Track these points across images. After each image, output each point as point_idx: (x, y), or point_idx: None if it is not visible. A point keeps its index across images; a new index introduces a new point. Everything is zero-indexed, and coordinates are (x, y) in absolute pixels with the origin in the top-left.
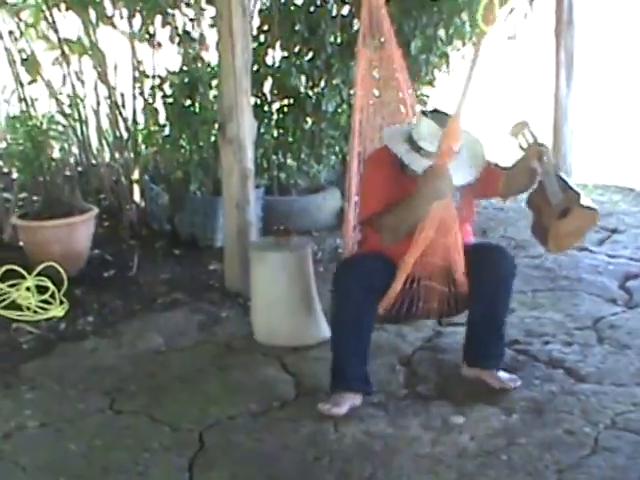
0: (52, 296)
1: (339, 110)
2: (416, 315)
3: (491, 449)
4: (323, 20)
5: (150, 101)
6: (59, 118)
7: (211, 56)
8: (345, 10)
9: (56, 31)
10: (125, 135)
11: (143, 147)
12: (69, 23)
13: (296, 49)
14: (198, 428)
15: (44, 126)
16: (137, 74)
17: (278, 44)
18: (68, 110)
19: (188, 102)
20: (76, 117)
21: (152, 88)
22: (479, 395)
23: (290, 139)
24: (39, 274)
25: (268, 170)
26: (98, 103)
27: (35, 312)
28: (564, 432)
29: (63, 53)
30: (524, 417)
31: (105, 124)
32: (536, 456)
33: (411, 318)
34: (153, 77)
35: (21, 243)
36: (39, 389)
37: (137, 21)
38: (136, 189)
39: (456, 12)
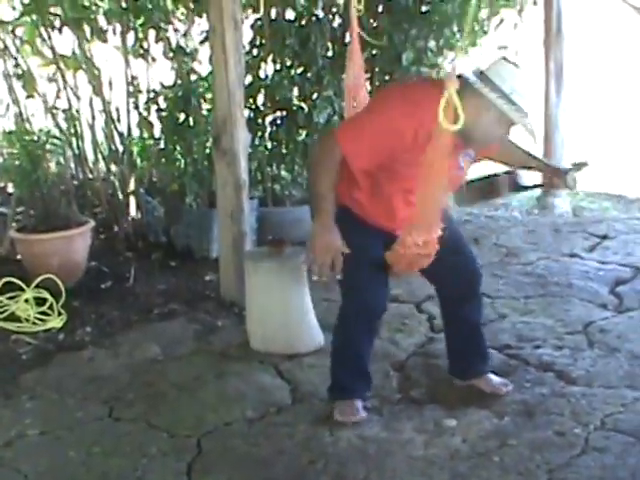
0: (50, 308)
1: (331, 121)
2: None
3: (483, 451)
4: (313, 33)
5: (145, 115)
6: (55, 132)
7: (204, 70)
8: (335, 23)
9: (51, 47)
10: (120, 149)
11: (138, 160)
12: (64, 39)
13: (288, 62)
14: (196, 434)
15: (41, 140)
16: (131, 88)
17: (270, 57)
18: (64, 124)
19: (182, 116)
20: (72, 131)
21: (146, 102)
22: (471, 399)
23: (283, 151)
24: (37, 286)
25: (262, 182)
26: (93, 117)
27: (34, 323)
28: (554, 433)
29: (59, 68)
30: (515, 419)
31: (100, 138)
32: (527, 457)
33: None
34: (147, 91)
35: (19, 256)
36: (39, 398)
37: (131, 36)
38: (132, 202)
39: (446, 23)
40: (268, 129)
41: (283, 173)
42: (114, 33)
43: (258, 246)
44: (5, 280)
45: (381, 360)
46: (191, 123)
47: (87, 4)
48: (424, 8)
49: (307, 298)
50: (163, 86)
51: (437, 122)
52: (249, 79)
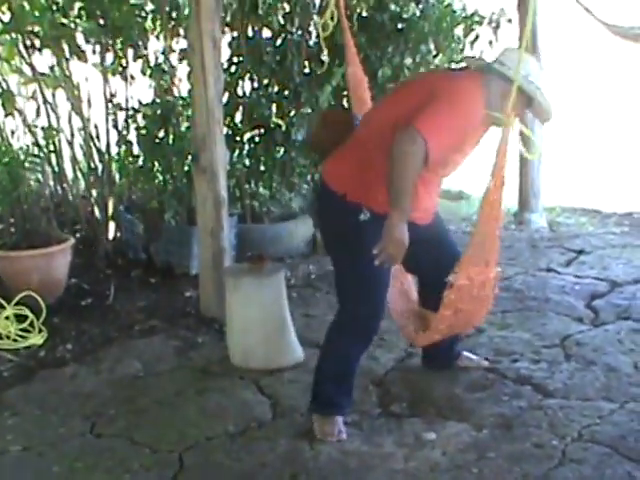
0: (31, 324)
1: None
2: None
3: (462, 463)
4: (290, 51)
5: (124, 133)
6: (34, 150)
7: (183, 88)
8: (311, 41)
9: (30, 65)
10: (100, 166)
11: (118, 178)
12: (43, 57)
13: (265, 80)
14: (178, 449)
15: (20, 158)
16: (111, 106)
17: (248, 75)
18: (43, 142)
19: (161, 133)
20: (51, 149)
21: (125, 120)
22: (450, 412)
23: (262, 168)
24: (18, 303)
25: (241, 199)
26: (72, 135)
27: (15, 340)
28: (532, 445)
29: (38, 86)
30: (493, 432)
31: (80, 156)
32: (505, 469)
33: None
34: (126, 109)
35: None
36: (21, 415)
37: (110, 55)
38: (111, 219)
39: (422, 40)
40: (246, 146)
41: (261, 190)
42: (93, 51)
43: (238, 262)
44: None
45: (361, 375)
46: (170, 141)
47: (66, 23)
48: (400, 25)
49: (287, 314)
50: (142, 104)
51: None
52: (227, 97)
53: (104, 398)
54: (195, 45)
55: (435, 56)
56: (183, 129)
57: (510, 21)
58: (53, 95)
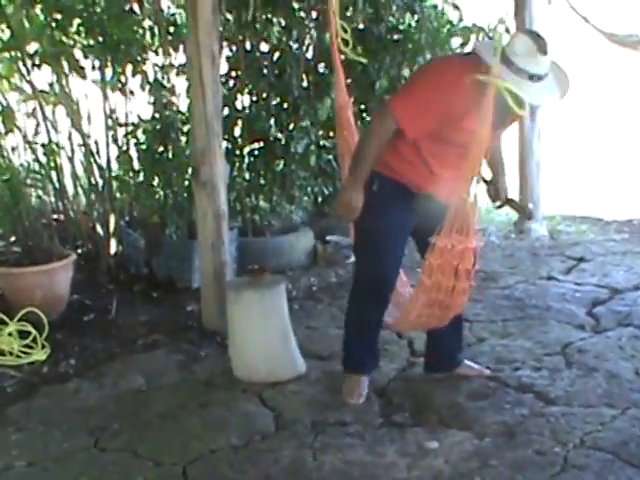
0: (34, 340)
1: (308, 151)
2: None
3: (465, 471)
4: (288, 65)
5: (124, 148)
6: (35, 167)
7: (182, 103)
8: (309, 54)
9: (30, 82)
10: (100, 182)
11: (118, 193)
12: (42, 74)
13: (264, 94)
14: (181, 462)
15: (21, 175)
16: (110, 122)
17: (246, 89)
18: (43, 159)
19: (161, 148)
20: (52, 165)
21: (125, 135)
22: (452, 421)
23: (262, 181)
24: (21, 319)
25: (242, 212)
26: (73, 151)
27: (18, 356)
28: (534, 452)
29: (38, 103)
30: (496, 440)
31: (80, 172)
32: (508, 476)
33: None
34: (126, 125)
35: (1, 290)
36: (24, 430)
37: (109, 70)
38: (113, 234)
39: (419, 52)
40: (246, 160)
41: (262, 203)
42: (92, 68)
43: (239, 275)
44: None
45: None
46: (170, 155)
47: (65, 40)
48: (396, 37)
49: (288, 326)
50: (141, 119)
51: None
52: (226, 111)
53: (107, 412)
54: (193, 60)
55: None
56: (183, 144)
57: (508, 31)
58: (53, 112)
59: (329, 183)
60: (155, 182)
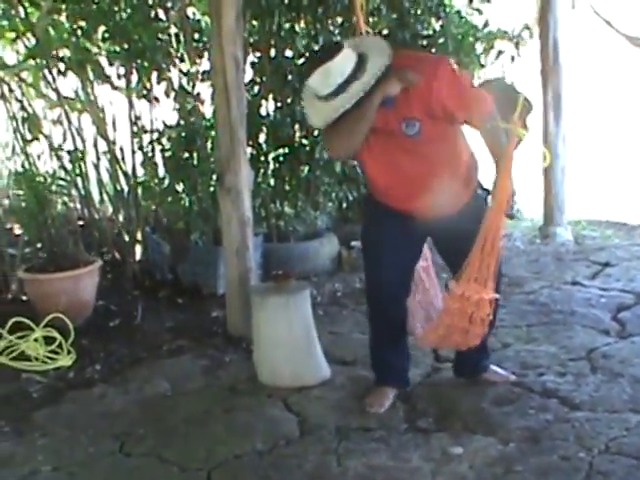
0: (60, 346)
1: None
2: None
3: (489, 477)
4: None
5: (149, 155)
6: (61, 174)
7: (207, 109)
8: None
9: (55, 90)
10: (125, 188)
11: (143, 200)
12: (68, 81)
13: (289, 99)
14: (206, 467)
15: (47, 182)
16: (135, 129)
17: (271, 95)
18: (69, 166)
19: (186, 155)
20: (77, 172)
21: (150, 142)
22: (477, 426)
23: (286, 187)
24: (46, 325)
25: (266, 218)
26: (98, 158)
27: (44, 362)
28: (559, 458)
29: (64, 111)
30: (520, 445)
31: (106, 178)
32: None
33: None
34: (151, 131)
35: (26, 296)
36: (51, 435)
37: (134, 77)
38: (138, 240)
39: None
40: (271, 166)
41: (286, 209)
42: (118, 75)
43: (264, 281)
44: (14, 320)
45: None
46: (195, 162)
47: (90, 47)
48: (421, 42)
49: (313, 331)
50: (166, 126)
51: None
52: (251, 117)
53: (133, 418)
54: (218, 66)
55: None
56: (208, 150)
57: (532, 36)
58: (78, 119)
59: (353, 189)
60: (180, 188)
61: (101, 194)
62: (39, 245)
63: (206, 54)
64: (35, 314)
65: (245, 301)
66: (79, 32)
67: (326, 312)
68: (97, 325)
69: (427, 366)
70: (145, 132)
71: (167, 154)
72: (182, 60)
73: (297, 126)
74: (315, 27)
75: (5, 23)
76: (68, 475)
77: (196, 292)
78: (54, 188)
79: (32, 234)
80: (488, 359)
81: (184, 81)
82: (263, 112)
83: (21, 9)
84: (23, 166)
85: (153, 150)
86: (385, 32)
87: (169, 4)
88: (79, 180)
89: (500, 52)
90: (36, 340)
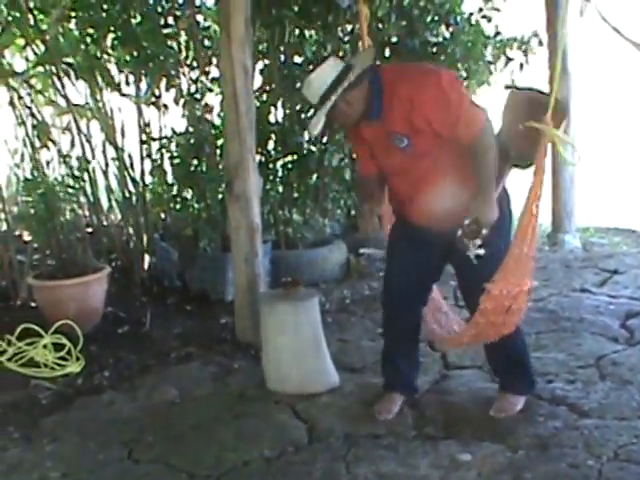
0: (69, 353)
1: (342, 164)
2: None
3: None
4: None
5: (158, 162)
6: (69, 181)
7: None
8: None
9: (64, 97)
10: (134, 195)
11: (152, 207)
12: (77, 88)
13: (297, 106)
14: (215, 474)
15: (56, 189)
16: (144, 136)
17: (280, 102)
18: (78, 172)
19: (195, 162)
20: (86, 179)
21: (159, 149)
22: (485, 433)
23: (295, 194)
24: (55, 332)
25: (275, 225)
26: (107, 165)
27: (52, 369)
28: (568, 466)
29: (73, 118)
30: (529, 453)
31: (114, 185)
32: None
33: None
34: (160, 138)
35: (35, 303)
36: (59, 442)
37: (143, 85)
38: (146, 247)
39: (452, 65)
40: (280, 173)
41: (295, 216)
42: (127, 82)
43: (272, 288)
44: (24, 326)
45: None
46: (204, 169)
47: (99, 54)
48: (430, 50)
49: (322, 338)
50: (175, 133)
51: None
52: (260, 124)
53: (141, 424)
54: (227, 74)
55: (466, 79)
56: (217, 157)
57: (541, 43)
58: (87, 126)
59: None
60: (189, 195)
61: (110, 201)
62: (48, 252)
63: (215, 61)
64: (44, 321)
65: (254, 308)
66: (88, 39)
67: (335, 319)
68: (106, 332)
69: (435, 373)
70: (154, 139)
71: (176, 161)
72: (191, 67)
73: (306, 133)
74: (324, 34)
75: (15, 30)
76: None
77: (204, 299)
78: (63, 195)
79: (41, 241)
80: (520, 382)
81: (193, 88)
82: (272, 119)
83: (31, 16)
84: (32, 173)
85: (162, 157)
86: (394, 39)
87: (178, 12)
88: (88, 187)
89: (509, 59)
90: (45, 347)
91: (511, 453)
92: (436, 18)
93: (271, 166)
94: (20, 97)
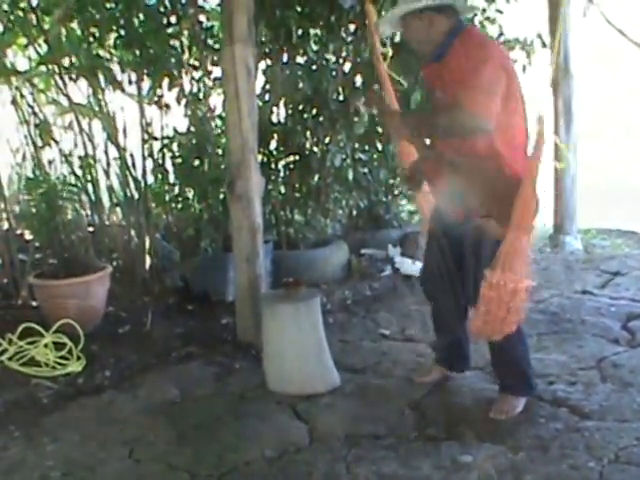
0: (69, 352)
1: (344, 165)
2: None
3: None
4: (325, 78)
5: (159, 161)
6: (71, 180)
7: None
8: (346, 67)
9: (67, 96)
10: (136, 195)
11: (154, 206)
12: (79, 88)
13: (300, 107)
14: (216, 474)
15: (58, 188)
16: (146, 135)
17: (282, 102)
18: (80, 172)
19: (197, 161)
20: (88, 178)
21: (161, 149)
22: (486, 435)
23: (297, 195)
24: (56, 331)
25: (276, 225)
26: (108, 164)
27: (53, 368)
28: (569, 467)
29: (75, 117)
30: (530, 454)
31: (116, 184)
32: None
33: None
34: (162, 138)
35: (36, 302)
36: (60, 441)
37: (145, 84)
38: (148, 247)
39: None
40: (281, 173)
41: (297, 217)
42: (129, 82)
43: (274, 288)
44: (25, 325)
45: (397, 399)
46: (206, 169)
47: (101, 53)
48: None
49: (323, 339)
50: (177, 132)
51: None
52: (262, 124)
53: (142, 424)
54: (229, 73)
55: None
56: (219, 157)
57: (544, 45)
58: (89, 125)
59: (364, 196)
60: (190, 195)
61: (111, 200)
62: (49, 251)
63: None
64: (45, 320)
65: (255, 308)
66: (91, 39)
67: (336, 320)
68: (107, 331)
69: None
70: (156, 139)
71: (178, 161)
72: (194, 67)
73: (308, 133)
74: (327, 34)
75: (18, 29)
76: None
77: (206, 299)
78: (65, 194)
79: (42, 240)
80: (519, 384)
81: (195, 88)
82: (274, 119)
83: (33, 16)
84: (34, 172)
85: (164, 157)
86: (398, 40)
87: (181, 12)
88: (90, 186)
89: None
90: (46, 346)
91: (512, 454)
92: None
93: (273, 166)
94: (22, 96)
